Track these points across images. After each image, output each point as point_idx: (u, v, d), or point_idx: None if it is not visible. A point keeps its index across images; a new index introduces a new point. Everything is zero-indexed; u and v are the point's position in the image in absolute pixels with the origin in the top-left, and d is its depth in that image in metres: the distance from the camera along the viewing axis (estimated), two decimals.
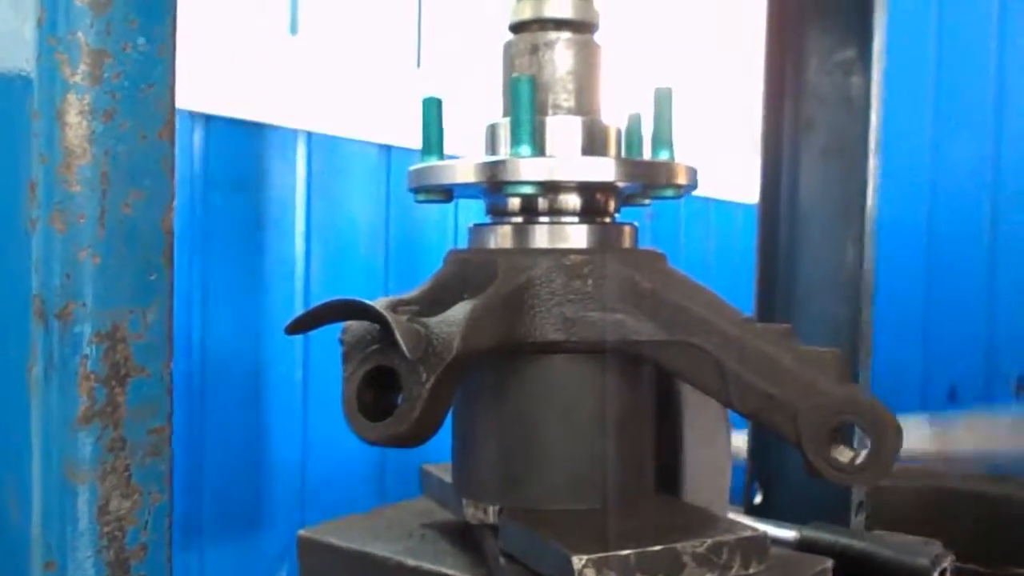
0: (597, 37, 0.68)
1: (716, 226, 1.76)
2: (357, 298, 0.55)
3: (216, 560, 0.96)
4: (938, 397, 1.92)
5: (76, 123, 0.40)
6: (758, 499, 0.97)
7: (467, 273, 0.63)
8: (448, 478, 0.69)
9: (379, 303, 0.56)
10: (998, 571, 1.22)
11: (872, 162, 0.91)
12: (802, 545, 0.80)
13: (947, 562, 0.78)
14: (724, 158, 1.69)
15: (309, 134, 1.02)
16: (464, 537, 0.66)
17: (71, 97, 0.40)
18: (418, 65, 1.16)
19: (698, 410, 0.71)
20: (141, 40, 0.41)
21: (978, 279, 1.89)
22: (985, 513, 1.61)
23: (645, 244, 0.68)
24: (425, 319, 0.56)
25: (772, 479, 0.96)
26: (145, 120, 0.42)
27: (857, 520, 0.92)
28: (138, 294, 0.42)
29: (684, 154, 0.66)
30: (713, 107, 1.74)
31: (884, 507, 1.32)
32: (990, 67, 1.87)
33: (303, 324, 0.57)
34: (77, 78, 0.40)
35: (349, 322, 0.59)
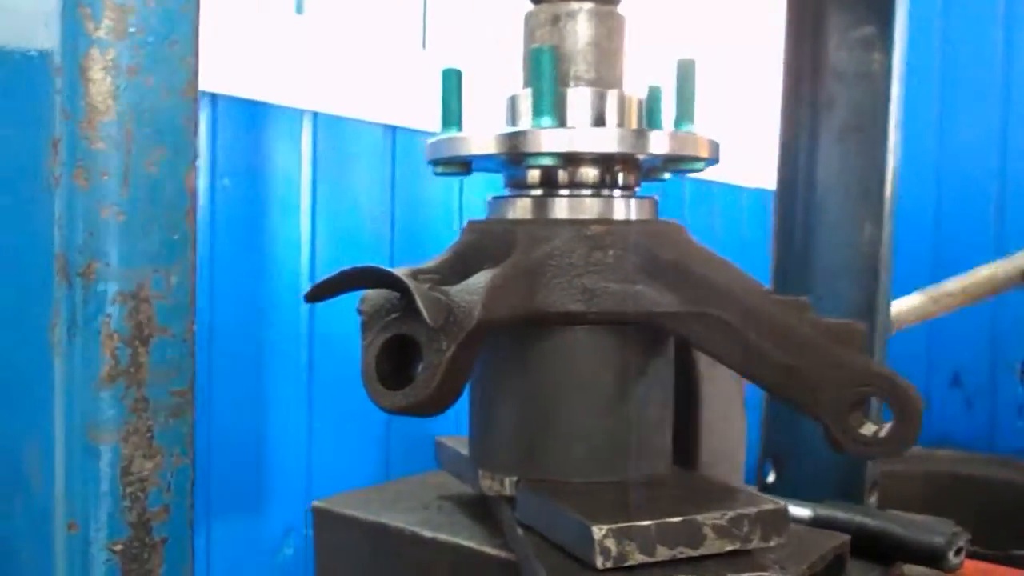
0: (620, 8, 0.67)
1: (721, 209, 1.75)
2: (378, 265, 0.54)
3: (222, 536, 0.96)
4: (942, 383, 1.92)
5: (99, 79, 0.39)
6: (771, 478, 0.97)
7: (486, 243, 0.62)
8: (463, 450, 0.68)
9: (399, 272, 0.55)
10: (1001, 553, 1.22)
11: (892, 139, 0.90)
12: (817, 522, 0.79)
13: (963, 541, 0.78)
14: (732, 143, 1.68)
15: (315, 114, 1.02)
16: (480, 509, 0.66)
17: (94, 52, 0.39)
18: (423, 46, 1.15)
19: (715, 385, 0.71)
20: None
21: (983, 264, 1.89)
22: (989, 497, 1.62)
23: None
24: (446, 287, 0.56)
25: (785, 458, 0.96)
26: (169, 77, 0.41)
27: (871, 499, 0.92)
28: (162, 254, 0.41)
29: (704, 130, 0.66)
30: (723, 93, 1.73)
31: (889, 490, 1.32)
32: (996, 49, 1.86)
33: (322, 291, 0.56)
34: (100, 33, 0.39)
35: (367, 291, 0.58)
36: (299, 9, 1.00)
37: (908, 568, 0.86)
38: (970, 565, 1.11)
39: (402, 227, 1.12)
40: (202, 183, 0.92)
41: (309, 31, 0.99)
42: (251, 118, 0.96)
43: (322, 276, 0.57)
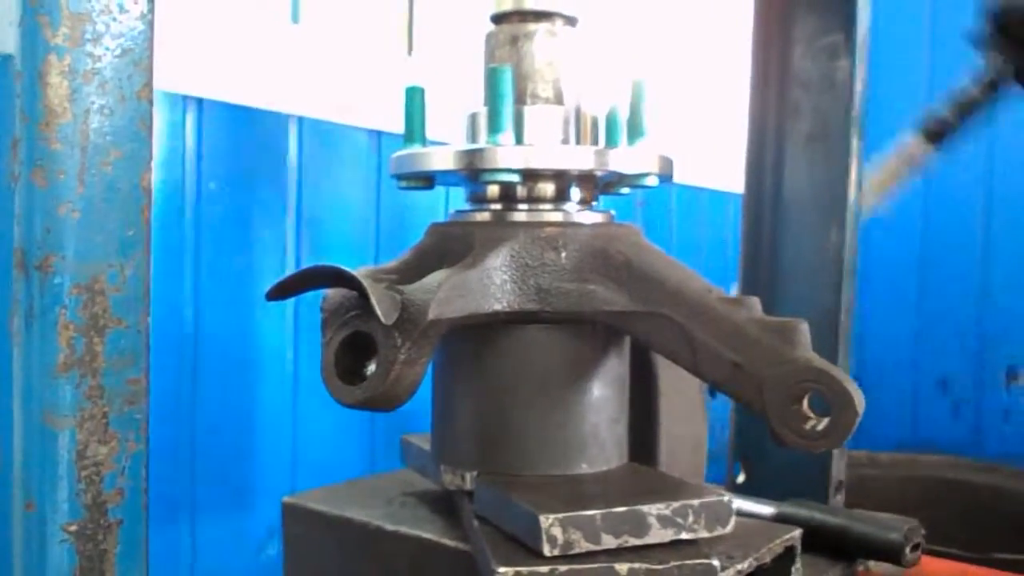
0: (580, 28, 0.69)
1: (707, 215, 1.77)
2: (335, 264, 0.56)
3: (207, 535, 0.98)
4: (929, 388, 1.93)
5: (57, 83, 0.41)
6: (741, 478, 0.98)
7: (446, 244, 0.64)
8: (428, 447, 0.70)
9: (359, 272, 0.57)
10: (980, 555, 1.23)
11: (855, 146, 0.92)
12: (779, 520, 0.81)
13: (919, 537, 0.79)
14: (715, 148, 1.69)
15: (300, 119, 1.04)
16: (443, 504, 0.68)
17: (52, 58, 0.41)
18: (409, 53, 1.17)
19: (674, 385, 0.73)
20: (121, 4, 0.42)
21: (970, 270, 1.90)
22: (971, 502, 1.63)
23: None
24: (402, 286, 0.58)
25: (754, 458, 0.98)
26: (124, 82, 0.43)
27: (836, 498, 0.94)
28: (117, 249, 0.43)
29: (671, 143, 0.67)
30: (704, 97, 1.75)
31: (871, 495, 1.33)
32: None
33: (283, 290, 0.58)
34: (58, 40, 0.41)
35: (329, 290, 0.60)
36: (295, 18, 1.02)
37: (875, 566, 0.88)
38: (945, 565, 1.12)
39: (387, 232, 1.14)
40: (189, 187, 0.95)
41: (303, 40, 1.01)
42: (237, 123, 0.98)
43: None
